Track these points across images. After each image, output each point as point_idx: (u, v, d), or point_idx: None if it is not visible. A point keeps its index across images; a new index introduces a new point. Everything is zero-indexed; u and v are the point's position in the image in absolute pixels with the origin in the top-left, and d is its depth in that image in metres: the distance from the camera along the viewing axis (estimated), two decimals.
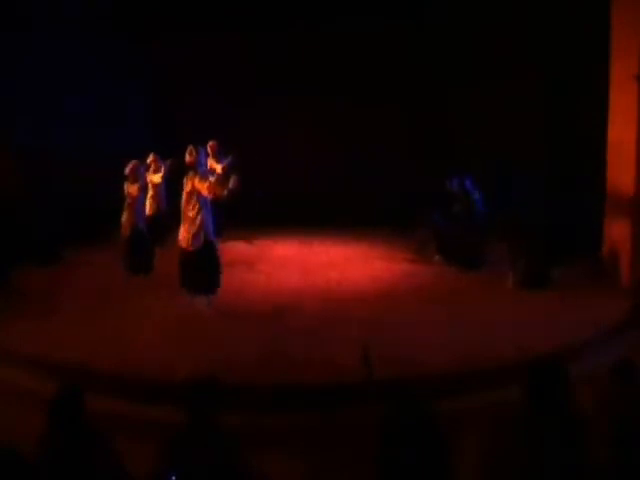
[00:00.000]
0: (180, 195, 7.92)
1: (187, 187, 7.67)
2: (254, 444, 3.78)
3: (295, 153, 12.58)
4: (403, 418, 3.20)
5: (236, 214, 10.89)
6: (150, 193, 10.84)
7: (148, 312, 7.87)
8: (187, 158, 7.69)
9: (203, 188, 7.46)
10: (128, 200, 9.19)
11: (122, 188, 9.19)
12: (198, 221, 7.56)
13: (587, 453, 3.20)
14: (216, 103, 12.67)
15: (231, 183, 7.61)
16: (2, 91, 10.32)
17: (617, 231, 9.04)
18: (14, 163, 10.66)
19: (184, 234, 7.66)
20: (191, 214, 7.58)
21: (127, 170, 9.12)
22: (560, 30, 10.25)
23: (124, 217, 9.23)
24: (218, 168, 10.69)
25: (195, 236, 7.58)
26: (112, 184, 11.74)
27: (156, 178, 10.74)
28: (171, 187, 10.89)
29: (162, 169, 10.63)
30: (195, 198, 7.58)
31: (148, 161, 10.76)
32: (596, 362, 6.11)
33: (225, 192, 7.58)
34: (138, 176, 9.30)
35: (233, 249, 10.92)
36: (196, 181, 7.52)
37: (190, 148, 7.71)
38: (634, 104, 8.61)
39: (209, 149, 10.75)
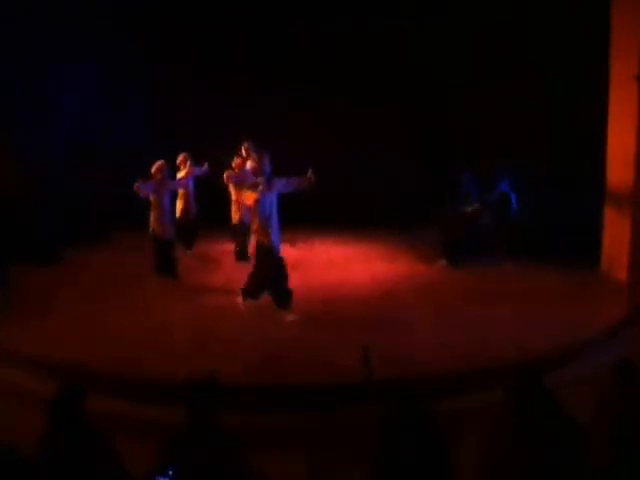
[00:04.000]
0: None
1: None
2: (254, 444, 3.78)
3: (295, 153, 12.55)
4: (403, 418, 3.20)
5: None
6: (180, 192, 10.65)
7: (148, 312, 7.87)
8: (250, 164, 7.66)
9: (249, 198, 7.37)
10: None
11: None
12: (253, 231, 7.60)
13: (584, 453, 3.20)
14: (216, 103, 12.65)
15: (309, 175, 7.48)
16: (2, 91, 10.32)
17: (617, 231, 9.04)
18: (14, 163, 10.66)
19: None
20: (254, 226, 7.59)
21: (153, 169, 9.12)
22: (560, 30, 10.25)
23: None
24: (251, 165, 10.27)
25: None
26: (112, 184, 11.78)
27: (179, 174, 10.53)
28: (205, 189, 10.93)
29: (188, 168, 10.42)
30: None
31: (178, 161, 10.59)
32: (596, 362, 6.12)
33: (306, 185, 7.45)
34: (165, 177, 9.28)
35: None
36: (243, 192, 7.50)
37: (254, 155, 7.64)
38: (634, 104, 8.61)
39: (244, 151, 10.10)
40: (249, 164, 7.59)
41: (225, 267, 10.05)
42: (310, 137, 12.78)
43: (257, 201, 7.32)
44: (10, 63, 10.48)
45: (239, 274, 9.49)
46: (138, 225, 10.37)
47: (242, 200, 7.53)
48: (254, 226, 7.64)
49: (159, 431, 3.96)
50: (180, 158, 10.65)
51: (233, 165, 9.99)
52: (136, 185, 8.75)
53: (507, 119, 11.39)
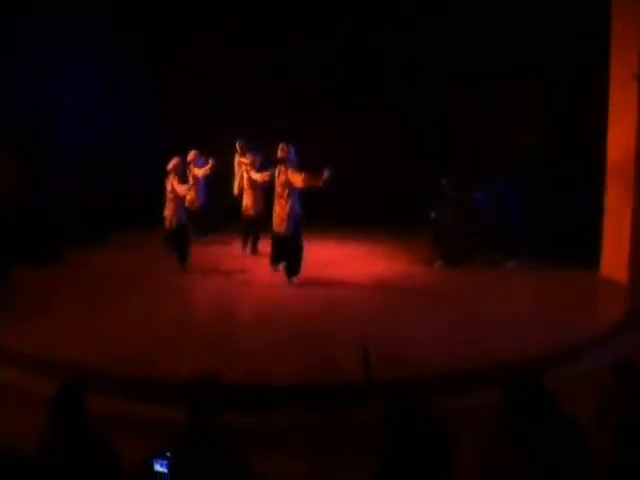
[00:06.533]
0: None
1: (280, 179, 8.60)
2: (254, 444, 3.78)
3: (295, 153, 12.57)
4: (403, 418, 3.19)
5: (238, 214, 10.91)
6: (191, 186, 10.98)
7: (149, 312, 7.87)
8: (279, 153, 8.50)
9: (298, 180, 8.35)
10: (170, 195, 9.50)
11: (163, 182, 9.57)
12: (287, 210, 8.56)
13: (584, 454, 3.20)
14: (216, 104, 12.65)
15: (325, 174, 8.05)
16: (2, 92, 10.32)
17: (617, 231, 9.03)
18: (14, 163, 10.66)
19: (277, 221, 8.71)
20: (282, 202, 8.55)
21: (170, 166, 9.47)
22: (560, 30, 10.25)
23: (168, 211, 9.55)
24: (247, 161, 10.66)
25: (288, 223, 8.60)
26: (112, 184, 11.79)
27: (199, 172, 10.84)
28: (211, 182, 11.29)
29: (210, 163, 10.60)
30: (287, 189, 8.52)
31: (189, 158, 10.83)
32: (596, 362, 6.12)
33: (320, 184, 8.15)
34: (182, 174, 9.68)
35: (234, 248, 10.94)
36: (289, 174, 8.43)
37: (282, 145, 8.55)
38: (634, 104, 8.61)
39: (238, 146, 10.97)
40: (279, 153, 8.56)
41: (226, 266, 10.04)
42: (309, 138, 12.79)
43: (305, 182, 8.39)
44: (11, 63, 10.49)
45: (240, 273, 9.53)
46: (137, 225, 10.40)
47: (295, 183, 8.41)
48: (284, 201, 8.59)
49: (159, 431, 3.96)
50: (191, 156, 10.90)
51: (236, 162, 10.52)
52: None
53: (507, 119, 11.40)
